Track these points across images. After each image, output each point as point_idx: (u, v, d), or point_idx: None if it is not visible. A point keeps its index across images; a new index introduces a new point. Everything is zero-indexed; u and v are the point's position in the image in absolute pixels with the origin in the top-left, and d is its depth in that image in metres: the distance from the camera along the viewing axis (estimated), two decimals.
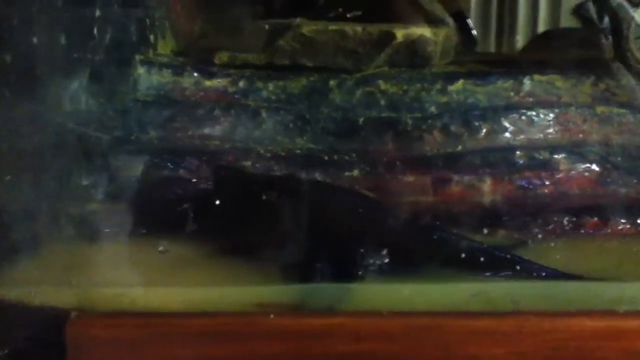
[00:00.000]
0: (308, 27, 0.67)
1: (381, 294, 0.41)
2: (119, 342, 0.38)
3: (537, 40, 0.76)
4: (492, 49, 0.87)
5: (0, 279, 0.43)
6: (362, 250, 0.45)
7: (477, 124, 0.63)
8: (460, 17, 0.77)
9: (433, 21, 0.73)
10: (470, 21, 0.73)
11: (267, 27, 0.69)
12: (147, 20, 0.70)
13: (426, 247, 0.47)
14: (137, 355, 0.38)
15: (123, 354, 0.38)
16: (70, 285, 0.40)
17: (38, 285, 0.41)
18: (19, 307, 0.40)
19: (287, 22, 0.68)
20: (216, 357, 0.38)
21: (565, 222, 0.55)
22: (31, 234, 0.44)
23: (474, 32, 0.75)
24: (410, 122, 0.64)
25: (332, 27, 0.67)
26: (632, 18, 0.69)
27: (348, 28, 0.67)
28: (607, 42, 0.69)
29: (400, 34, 0.67)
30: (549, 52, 0.70)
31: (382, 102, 0.66)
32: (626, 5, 0.69)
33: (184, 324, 0.38)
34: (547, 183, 0.60)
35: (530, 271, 0.45)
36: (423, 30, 0.68)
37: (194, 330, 0.38)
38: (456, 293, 0.40)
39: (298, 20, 0.68)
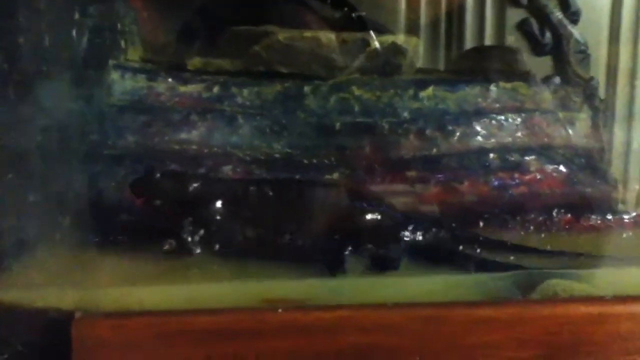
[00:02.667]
0: (283, 34, 0.67)
1: (386, 286, 0.42)
2: (126, 342, 0.37)
3: (466, 55, 0.80)
4: (441, 64, 0.89)
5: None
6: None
7: (449, 128, 0.65)
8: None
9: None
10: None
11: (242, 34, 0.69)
12: (118, 26, 0.70)
13: None
14: (144, 354, 0.38)
15: (130, 354, 0.38)
16: (73, 286, 0.39)
17: (38, 288, 0.40)
18: (20, 309, 0.39)
19: (262, 30, 0.68)
20: (224, 354, 0.38)
21: (539, 219, 0.57)
22: (28, 236, 0.43)
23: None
24: (385, 126, 0.65)
25: (307, 34, 0.68)
26: (572, 34, 0.74)
27: (322, 35, 0.68)
28: (521, 56, 0.72)
29: (373, 41, 0.68)
30: (476, 65, 0.72)
31: (357, 108, 0.67)
32: (566, 21, 0.74)
33: (191, 321, 0.38)
34: (520, 183, 0.63)
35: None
36: (395, 38, 0.69)
37: (201, 327, 0.38)
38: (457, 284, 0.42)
39: (273, 27, 0.68)
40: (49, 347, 0.38)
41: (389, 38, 0.70)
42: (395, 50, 0.69)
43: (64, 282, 0.41)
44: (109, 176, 0.56)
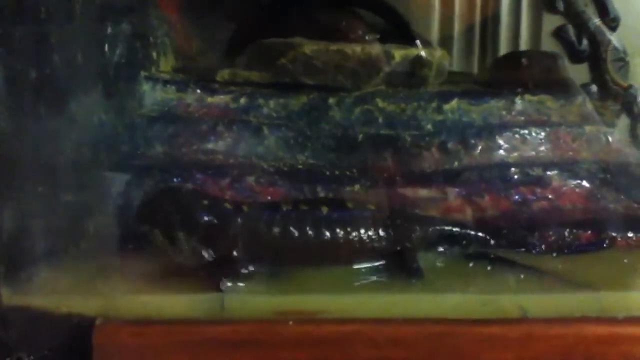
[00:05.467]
0: (310, 47, 0.68)
1: (395, 302, 0.43)
2: (144, 349, 0.39)
3: (499, 62, 0.79)
4: (475, 70, 0.89)
5: (25, 287, 0.44)
6: None
7: (472, 141, 0.66)
8: None
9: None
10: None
11: (269, 46, 0.70)
12: (151, 38, 0.72)
13: None
14: None
15: None
16: (95, 294, 0.41)
17: (64, 295, 0.42)
18: (47, 315, 0.41)
19: (289, 42, 0.69)
20: None
21: (559, 235, 0.57)
22: (55, 244, 0.45)
23: None
24: (408, 139, 0.65)
25: (333, 47, 0.69)
26: (610, 41, 0.72)
27: (348, 48, 0.69)
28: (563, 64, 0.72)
29: (398, 54, 0.69)
30: (511, 73, 0.71)
31: (380, 120, 0.68)
32: (604, 28, 0.73)
33: (207, 331, 0.40)
34: (540, 198, 0.62)
35: None
36: (420, 51, 0.70)
37: (217, 337, 0.39)
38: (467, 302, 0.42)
39: (300, 40, 0.70)
40: (72, 351, 0.40)
41: (413, 51, 0.70)
42: (420, 62, 0.70)
43: (88, 290, 0.43)
44: (137, 186, 0.58)
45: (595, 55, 0.72)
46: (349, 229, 0.51)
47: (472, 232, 0.57)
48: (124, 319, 0.40)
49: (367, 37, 0.74)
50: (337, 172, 0.64)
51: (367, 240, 0.52)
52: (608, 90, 0.72)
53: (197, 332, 0.40)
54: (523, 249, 0.56)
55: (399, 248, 0.52)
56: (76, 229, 0.49)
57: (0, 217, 0.43)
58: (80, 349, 0.39)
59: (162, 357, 0.40)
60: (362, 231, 0.52)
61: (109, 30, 0.59)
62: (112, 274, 0.46)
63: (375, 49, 0.69)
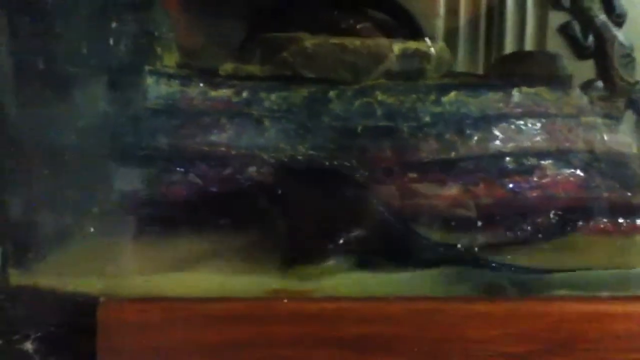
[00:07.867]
0: (310, 41, 0.70)
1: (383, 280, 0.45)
2: (146, 325, 0.41)
3: (503, 61, 0.80)
4: (480, 68, 0.90)
5: (32, 267, 0.46)
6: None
7: (469, 132, 0.67)
8: None
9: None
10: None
11: (270, 40, 0.72)
12: (155, 33, 0.73)
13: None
14: (163, 337, 0.41)
15: (150, 336, 0.41)
16: (99, 274, 0.43)
17: (69, 275, 0.44)
18: (54, 294, 0.42)
19: (290, 36, 0.71)
20: (235, 338, 0.41)
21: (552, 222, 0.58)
22: (62, 226, 0.47)
23: None
24: (406, 130, 0.67)
25: (333, 40, 0.70)
26: (616, 37, 0.73)
27: (348, 42, 0.70)
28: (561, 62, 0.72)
29: (397, 47, 0.70)
30: (514, 72, 0.72)
31: (379, 112, 0.69)
32: (610, 24, 0.73)
33: (207, 308, 0.41)
34: (534, 187, 0.63)
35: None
36: (419, 44, 0.71)
37: (215, 314, 0.41)
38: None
39: (301, 34, 0.71)
40: (77, 328, 0.42)
41: (413, 44, 0.71)
42: (420, 55, 0.71)
43: (93, 270, 0.45)
44: (139, 175, 0.59)
45: (601, 52, 0.72)
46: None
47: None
48: (124, 297, 0.42)
49: (367, 31, 0.76)
50: (336, 163, 0.65)
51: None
52: (614, 86, 0.72)
53: (196, 309, 0.42)
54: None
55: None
56: (82, 214, 0.50)
57: (9, 200, 0.45)
58: (84, 326, 0.41)
59: (163, 333, 0.41)
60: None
61: (114, 24, 0.61)
62: (116, 255, 0.48)
63: (375, 42, 0.70)
